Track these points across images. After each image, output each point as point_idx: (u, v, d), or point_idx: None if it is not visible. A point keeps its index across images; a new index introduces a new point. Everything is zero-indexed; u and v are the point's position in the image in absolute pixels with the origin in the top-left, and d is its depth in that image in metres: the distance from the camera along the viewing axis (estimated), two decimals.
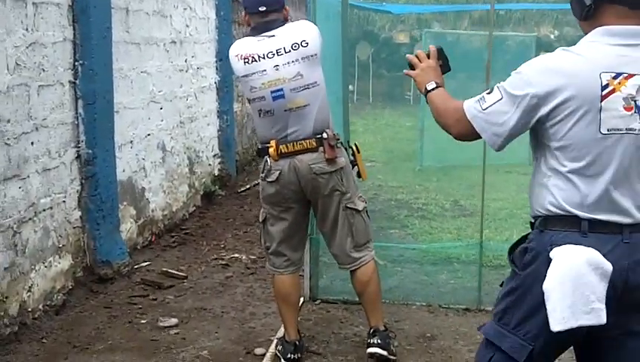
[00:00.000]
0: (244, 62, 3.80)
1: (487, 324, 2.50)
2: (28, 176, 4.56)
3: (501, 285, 2.51)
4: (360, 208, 3.97)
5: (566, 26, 20.24)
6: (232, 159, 8.87)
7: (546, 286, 2.24)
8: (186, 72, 7.34)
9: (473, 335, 4.34)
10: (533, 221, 2.45)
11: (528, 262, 2.36)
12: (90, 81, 5.13)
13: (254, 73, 3.78)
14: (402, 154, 11.67)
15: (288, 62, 3.75)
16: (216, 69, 8.28)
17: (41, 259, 4.70)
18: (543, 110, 2.27)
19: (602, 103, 2.22)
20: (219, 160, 8.49)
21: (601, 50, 2.27)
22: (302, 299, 4.86)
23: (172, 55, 6.92)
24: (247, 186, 8.84)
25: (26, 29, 4.52)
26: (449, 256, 5.88)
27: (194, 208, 7.60)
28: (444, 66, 2.76)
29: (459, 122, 2.45)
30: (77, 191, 5.19)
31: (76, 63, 5.09)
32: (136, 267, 5.76)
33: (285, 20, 3.92)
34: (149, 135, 6.40)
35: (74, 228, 5.16)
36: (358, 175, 4.07)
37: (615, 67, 2.24)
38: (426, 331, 4.52)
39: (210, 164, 8.20)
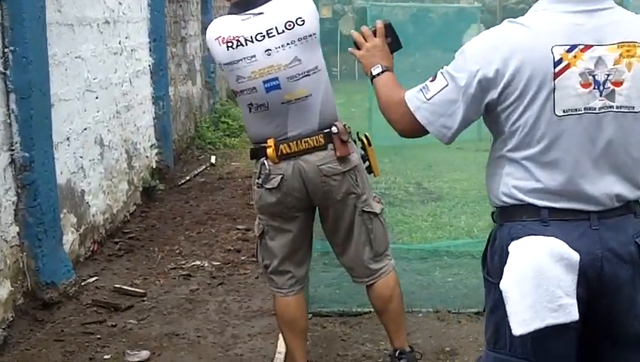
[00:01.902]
0: (228, 47, 3.09)
1: (484, 355, 2.23)
2: None
3: (483, 310, 2.15)
4: (378, 211, 3.35)
5: None
6: (170, 149, 8.09)
7: (503, 285, 2.00)
8: (120, 55, 6.50)
9: None
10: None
11: (498, 265, 2.09)
12: (23, 71, 4.28)
13: (241, 60, 3.09)
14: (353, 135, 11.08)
15: (282, 45, 3.09)
16: (150, 50, 7.47)
17: None
18: (493, 93, 2.04)
19: (556, 81, 1.99)
20: (156, 150, 7.69)
21: (553, 19, 2.03)
22: None
23: (106, 37, 6.08)
24: (187, 178, 8.12)
25: None
26: (437, 249, 5.35)
27: (134, 207, 6.80)
28: (394, 44, 2.50)
29: (403, 117, 2.20)
30: (13, 203, 4.36)
31: (5, 50, 4.22)
32: (83, 284, 4.96)
33: None
34: (85, 129, 5.56)
35: (11, 247, 4.32)
36: (369, 170, 3.41)
37: (569, 38, 2.00)
38: (444, 344, 3.94)
39: (147, 156, 7.40)
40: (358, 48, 2.46)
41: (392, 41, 2.50)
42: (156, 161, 7.68)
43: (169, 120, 8.08)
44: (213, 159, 9.12)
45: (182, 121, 9.28)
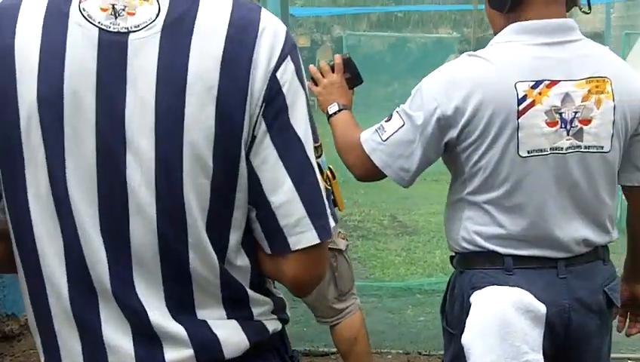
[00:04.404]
0: None
1: None
2: None
3: None
4: (342, 248, 3.22)
5: (464, 27, 20.22)
6: None
7: (465, 339, 1.86)
8: None
9: None
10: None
11: (459, 315, 1.96)
12: None
13: None
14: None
15: None
16: None
17: None
18: (452, 132, 1.88)
19: (520, 120, 1.83)
20: None
21: (516, 52, 1.88)
22: None
23: None
24: None
25: None
26: (409, 286, 5.28)
27: None
28: (354, 79, 2.32)
29: (359, 160, 2.06)
30: None
31: None
32: None
33: None
34: None
35: None
36: (334, 204, 3.30)
37: (534, 73, 1.85)
38: None
39: None
40: (316, 83, 2.32)
41: (352, 76, 2.32)
42: None
43: None
44: None
45: None
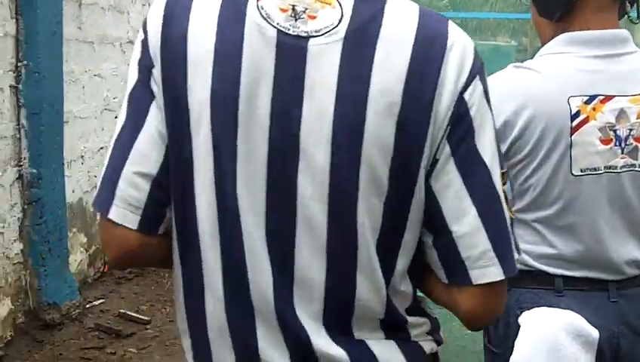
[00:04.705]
0: None
1: None
2: None
3: None
4: None
5: (523, 36, 19.95)
6: None
7: (513, 361, 1.76)
8: None
9: None
10: None
11: (503, 333, 1.87)
12: (35, 86, 4.21)
13: None
14: None
15: None
16: None
17: None
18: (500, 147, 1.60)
19: (573, 137, 1.74)
20: None
21: (567, 64, 1.77)
22: None
23: (128, 57, 6.01)
24: None
25: None
26: None
27: None
28: None
29: None
30: (18, 220, 4.28)
31: (19, 64, 4.16)
32: (87, 307, 4.85)
33: None
34: (102, 148, 5.50)
35: (14, 264, 4.24)
36: None
37: (586, 88, 1.74)
38: None
39: None
40: None
41: None
42: None
43: None
44: None
45: None
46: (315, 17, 1.10)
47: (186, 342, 1.23)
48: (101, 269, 5.52)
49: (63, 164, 4.59)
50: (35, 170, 4.29)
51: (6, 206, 4.12)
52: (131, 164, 1.15)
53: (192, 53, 1.11)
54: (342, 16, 1.10)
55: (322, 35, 1.09)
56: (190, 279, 1.19)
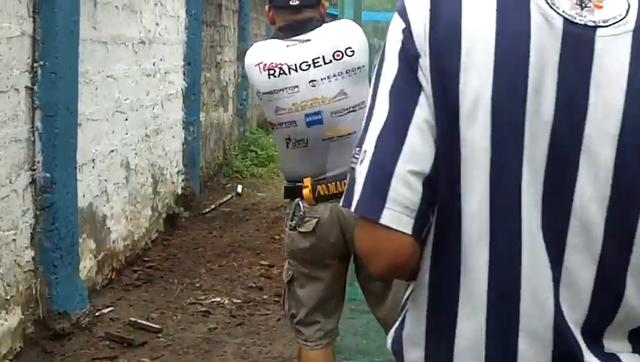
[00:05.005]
0: (269, 75, 2.83)
1: None
2: None
3: None
4: None
5: None
6: (197, 176, 7.87)
7: None
8: (154, 76, 6.30)
9: None
10: None
11: None
12: (51, 88, 4.04)
13: (282, 90, 2.83)
14: None
15: (328, 77, 2.83)
16: (184, 74, 7.26)
17: None
18: None
19: None
20: (182, 177, 7.46)
21: None
22: None
23: (140, 57, 5.88)
24: (213, 206, 7.86)
25: None
26: None
27: (156, 234, 6.55)
28: None
29: None
30: (30, 226, 4.11)
31: (35, 65, 4.00)
32: (97, 315, 4.70)
33: (322, 20, 2.97)
34: (112, 151, 5.36)
35: (25, 272, 4.07)
36: None
37: None
38: None
39: (173, 182, 7.17)
40: None
41: None
42: (182, 188, 7.44)
43: (198, 146, 7.87)
44: (239, 188, 8.87)
45: (211, 148, 9.07)
46: (601, 7, 1.03)
47: (415, 354, 1.15)
48: (109, 276, 5.37)
49: (76, 168, 4.44)
50: (48, 175, 4.12)
51: (18, 211, 3.97)
52: (405, 162, 1.06)
53: (468, 41, 1.03)
54: (629, 7, 1.03)
55: (610, 25, 1.03)
56: (439, 287, 1.11)
